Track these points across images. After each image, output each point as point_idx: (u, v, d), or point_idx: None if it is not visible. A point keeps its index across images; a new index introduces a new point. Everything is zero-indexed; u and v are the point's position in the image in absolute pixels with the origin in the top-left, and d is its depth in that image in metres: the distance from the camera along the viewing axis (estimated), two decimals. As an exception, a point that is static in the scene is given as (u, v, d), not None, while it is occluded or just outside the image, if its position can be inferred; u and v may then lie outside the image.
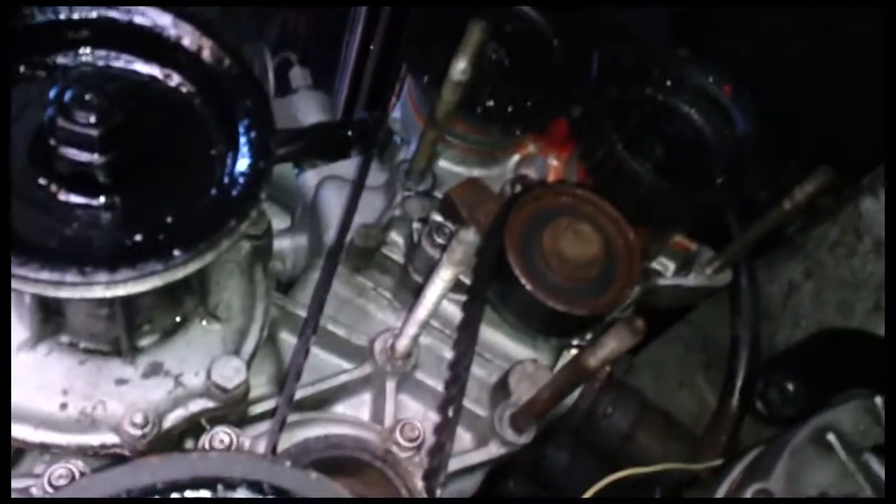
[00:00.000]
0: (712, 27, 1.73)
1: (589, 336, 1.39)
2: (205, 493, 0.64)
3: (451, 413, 1.12)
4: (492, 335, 1.44)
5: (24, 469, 1.10)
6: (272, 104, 0.94)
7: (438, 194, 1.49)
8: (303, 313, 1.36)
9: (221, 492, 0.65)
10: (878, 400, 1.03)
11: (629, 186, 1.37)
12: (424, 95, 1.53)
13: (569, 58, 1.51)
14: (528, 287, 1.20)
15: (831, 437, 1.01)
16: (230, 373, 1.04)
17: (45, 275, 0.75)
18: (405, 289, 1.45)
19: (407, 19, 2.32)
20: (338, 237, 1.29)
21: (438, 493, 1.03)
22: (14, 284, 0.76)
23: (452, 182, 1.51)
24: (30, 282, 0.75)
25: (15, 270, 0.74)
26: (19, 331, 1.01)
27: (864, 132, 1.60)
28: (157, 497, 0.65)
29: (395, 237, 1.47)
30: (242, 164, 0.86)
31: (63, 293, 0.75)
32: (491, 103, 1.40)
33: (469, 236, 0.99)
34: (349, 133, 1.70)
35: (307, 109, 1.87)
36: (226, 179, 0.87)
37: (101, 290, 0.77)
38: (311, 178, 1.64)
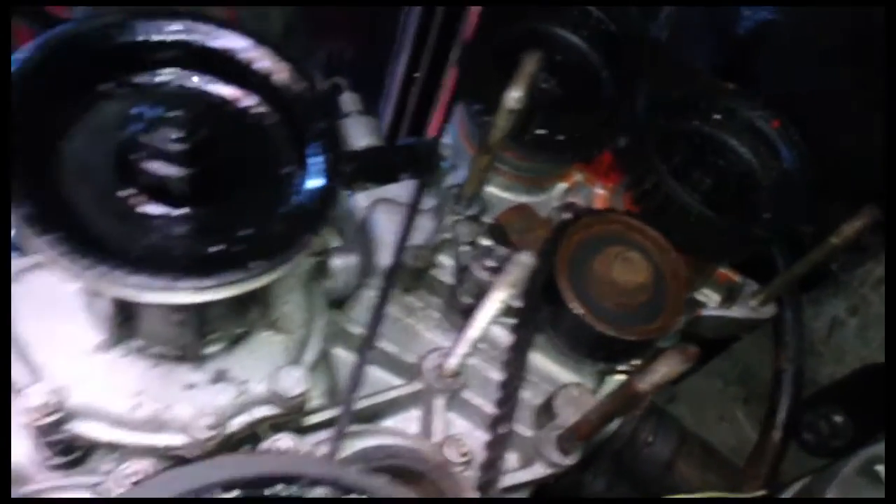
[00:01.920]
0: (760, 60, 1.76)
1: (635, 362, 1.41)
2: (291, 489, 0.67)
3: (504, 429, 1.15)
4: (536, 358, 1.47)
5: (90, 467, 1.14)
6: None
7: (486, 219, 1.53)
8: (355, 329, 1.41)
9: (300, 489, 0.68)
10: (926, 433, 1.04)
11: (677, 216, 1.39)
12: (475, 123, 1.57)
13: (617, 89, 1.55)
14: (578, 311, 1.23)
15: (880, 468, 1.02)
16: (292, 382, 1.08)
17: (133, 280, 0.80)
18: (453, 310, 1.48)
19: (452, 49, 2.38)
20: (394, 259, 1.33)
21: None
22: (103, 288, 0.81)
23: (500, 207, 1.55)
24: (119, 286, 0.80)
25: (105, 275, 0.79)
26: (94, 334, 1.07)
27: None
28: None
29: (444, 259, 1.51)
30: (313, 183, 0.91)
31: (151, 298, 0.80)
32: (542, 132, 1.44)
33: (526, 258, 1.03)
34: (398, 158, 1.75)
35: (358, 134, 1.92)
36: (297, 198, 0.91)
37: (186, 296, 0.81)
38: (361, 200, 1.68)
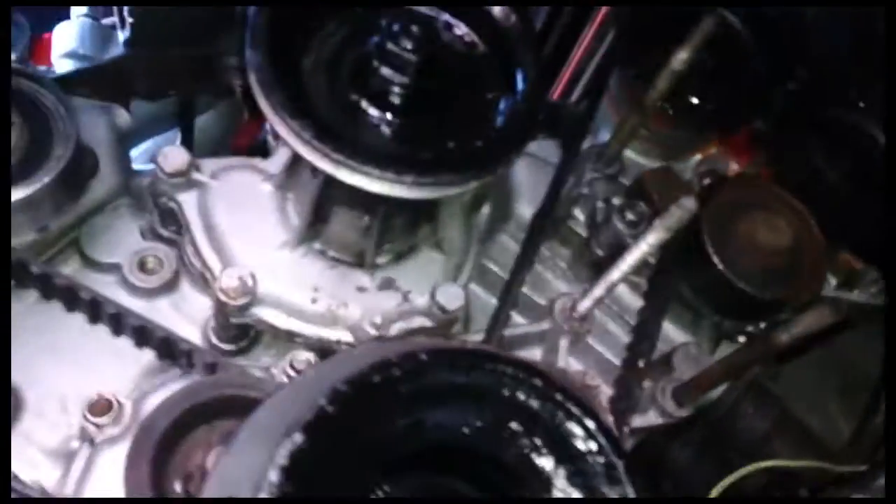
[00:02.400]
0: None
1: (762, 325, 1.46)
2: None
3: (641, 363, 1.22)
4: (655, 318, 1.54)
5: (253, 357, 1.25)
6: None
7: (623, 180, 1.60)
8: (493, 266, 1.49)
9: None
10: None
11: (821, 194, 1.44)
12: (624, 88, 1.63)
13: (770, 69, 1.59)
14: (720, 267, 1.29)
15: None
16: (451, 297, 1.17)
17: (367, 168, 0.89)
18: (580, 262, 1.55)
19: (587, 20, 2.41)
20: (544, 211, 1.40)
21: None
22: (332, 170, 0.90)
23: (635, 171, 1.61)
24: (349, 171, 0.89)
25: (342, 163, 0.88)
26: (278, 232, 1.17)
27: None
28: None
29: (578, 213, 1.58)
30: (518, 108, 0.99)
31: (377, 187, 0.90)
32: (695, 101, 1.50)
33: (689, 203, 1.09)
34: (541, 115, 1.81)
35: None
36: (500, 120, 1.00)
37: (403, 190, 0.91)
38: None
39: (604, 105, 1.72)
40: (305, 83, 0.96)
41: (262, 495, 0.66)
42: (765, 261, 1.33)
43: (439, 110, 1.01)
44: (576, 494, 0.77)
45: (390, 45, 0.95)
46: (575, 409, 0.79)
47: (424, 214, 1.16)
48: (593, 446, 0.78)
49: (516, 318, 1.52)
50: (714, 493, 1.47)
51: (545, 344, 1.46)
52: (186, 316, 1.24)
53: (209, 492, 0.79)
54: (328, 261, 1.17)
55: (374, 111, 0.99)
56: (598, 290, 1.36)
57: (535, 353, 1.49)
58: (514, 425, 0.80)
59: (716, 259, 1.30)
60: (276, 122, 0.89)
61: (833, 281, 1.69)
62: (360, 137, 0.95)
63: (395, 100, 0.98)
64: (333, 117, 0.95)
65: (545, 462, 0.79)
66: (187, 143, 1.64)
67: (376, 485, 0.76)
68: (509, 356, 0.82)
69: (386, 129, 0.99)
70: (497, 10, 1.05)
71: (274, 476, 0.67)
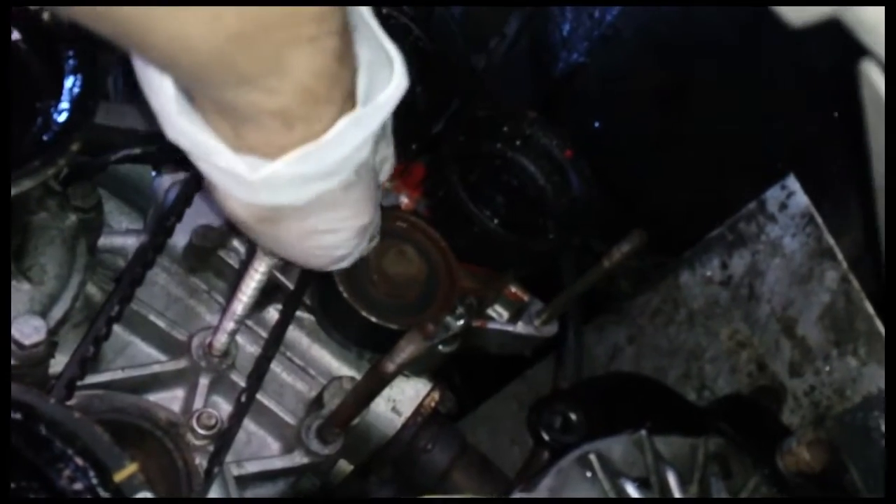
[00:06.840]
0: (569, 101, 1.88)
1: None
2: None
3: (244, 398, 1.15)
4: (318, 352, 1.49)
5: None
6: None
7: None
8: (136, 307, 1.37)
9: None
10: (643, 432, 1.12)
11: (464, 225, 1.46)
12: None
13: (428, 104, 1.62)
14: (346, 295, 1.26)
15: (593, 457, 1.08)
16: (30, 330, 1.04)
17: None
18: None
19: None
20: (158, 221, 1.32)
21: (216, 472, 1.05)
22: None
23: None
24: None
25: None
26: None
27: (691, 211, 1.76)
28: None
29: (237, 244, 1.51)
30: (61, 117, 0.90)
31: None
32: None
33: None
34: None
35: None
36: (42, 129, 0.90)
37: None
38: (165, 181, 1.66)
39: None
40: None
41: None
42: (394, 290, 1.32)
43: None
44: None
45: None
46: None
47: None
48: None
49: (156, 355, 1.42)
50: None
51: (186, 384, 1.37)
52: None
53: None
54: None
55: None
56: (228, 324, 1.29)
57: (177, 395, 1.39)
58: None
59: (341, 288, 1.27)
60: None
61: (506, 314, 1.73)
62: None
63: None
64: None
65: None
66: None
67: None
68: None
69: None
70: (47, 16, 0.96)
71: None
